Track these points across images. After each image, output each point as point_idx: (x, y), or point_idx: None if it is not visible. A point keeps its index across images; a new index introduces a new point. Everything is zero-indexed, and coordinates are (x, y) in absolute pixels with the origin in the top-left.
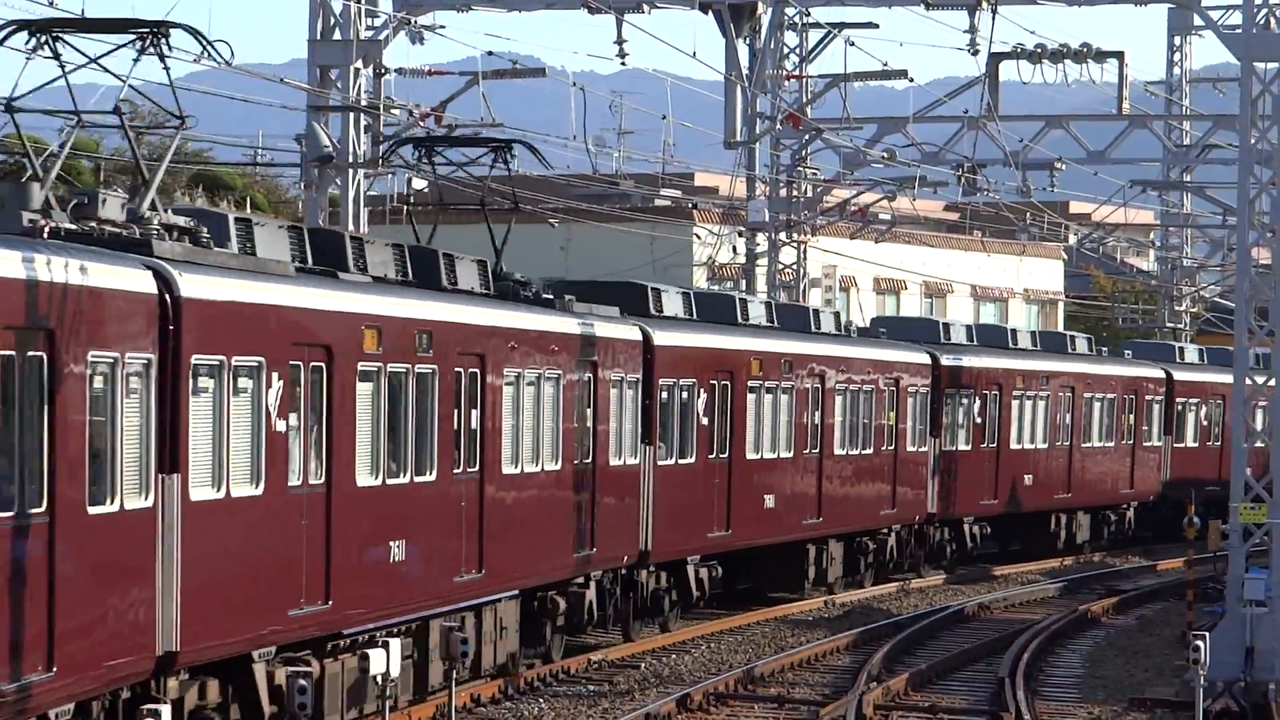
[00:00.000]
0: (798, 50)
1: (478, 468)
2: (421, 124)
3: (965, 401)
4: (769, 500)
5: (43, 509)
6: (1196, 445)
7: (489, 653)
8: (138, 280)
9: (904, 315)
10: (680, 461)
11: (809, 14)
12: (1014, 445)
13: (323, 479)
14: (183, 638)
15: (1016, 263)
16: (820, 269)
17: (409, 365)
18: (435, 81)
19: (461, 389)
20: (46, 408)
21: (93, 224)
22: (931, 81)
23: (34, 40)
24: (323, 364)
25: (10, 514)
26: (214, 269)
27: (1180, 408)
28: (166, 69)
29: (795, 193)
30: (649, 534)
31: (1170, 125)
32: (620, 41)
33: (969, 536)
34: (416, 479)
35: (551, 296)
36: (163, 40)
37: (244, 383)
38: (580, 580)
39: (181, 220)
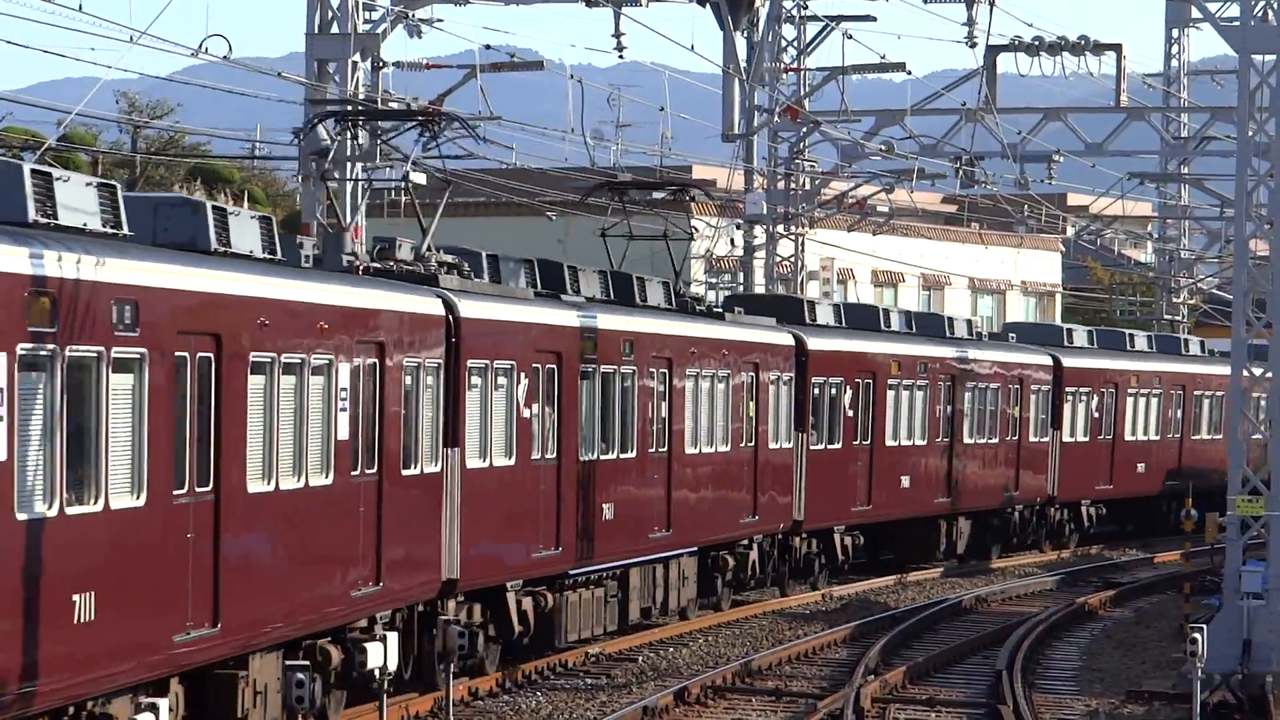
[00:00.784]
0: (795, 43)
1: (667, 448)
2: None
3: (1085, 398)
4: (905, 481)
5: (374, 470)
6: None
7: (673, 597)
8: (433, 306)
9: (1039, 322)
10: (829, 447)
11: (807, 7)
12: (1128, 438)
13: (555, 454)
14: (460, 569)
15: (1014, 255)
16: (818, 261)
17: (616, 367)
18: (433, 75)
19: (654, 386)
20: (378, 399)
21: (391, 263)
22: (929, 74)
23: (338, 124)
24: (555, 366)
25: (356, 472)
26: (480, 296)
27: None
28: (440, 152)
29: (793, 185)
30: (802, 505)
31: (1168, 117)
32: (618, 35)
33: (1086, 517)
34: (621, 456)
35: (721, 310)
36: (438, 125)
37: (501, 380)
38: (745, 542)
39: (450, 258)
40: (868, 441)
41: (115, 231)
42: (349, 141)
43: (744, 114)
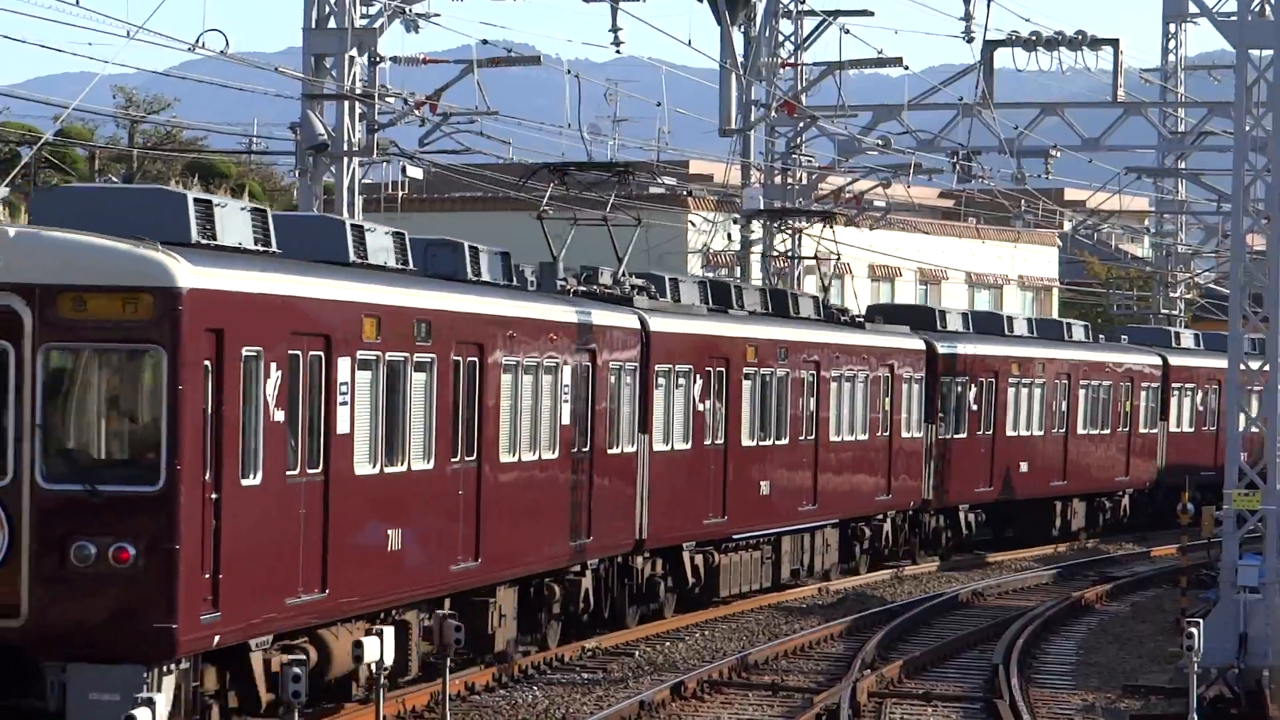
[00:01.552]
0: (793, 38)
1: (814, 436)
2: (416, 112)
3: (1190, 393)
4: (1024, 466)
5: (588, 449)
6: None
7: (818, 561)
8: (631, 320)
9: (1143, 326)
10: (955, 436)
11: (804, 1)
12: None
13: (723, 440)
14: (648, 530)
15: (1011, 250)
16: (814, 251)
17: (773, 369)
18: (430, 69)
19: (805, 385)
20: (590, 393)
21: (595, 286)
22: (926, 69)
23: (552, 177)
24: (723, 369)
25: (575, 450)
26: (663, 313)
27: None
28: (631, 193)
29: (790, 180)
30: (930, 486)
31: (1165, 112)
32: (615, 29)
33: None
34: (776, 442)
35: (862, 319)
36: (629, 176)
37: (680, 381)
38: (880, 517)
39: (640, 281)
40: (990, 432)
41: (265, 249)
42: (345, 135)
43: (741, 109)
